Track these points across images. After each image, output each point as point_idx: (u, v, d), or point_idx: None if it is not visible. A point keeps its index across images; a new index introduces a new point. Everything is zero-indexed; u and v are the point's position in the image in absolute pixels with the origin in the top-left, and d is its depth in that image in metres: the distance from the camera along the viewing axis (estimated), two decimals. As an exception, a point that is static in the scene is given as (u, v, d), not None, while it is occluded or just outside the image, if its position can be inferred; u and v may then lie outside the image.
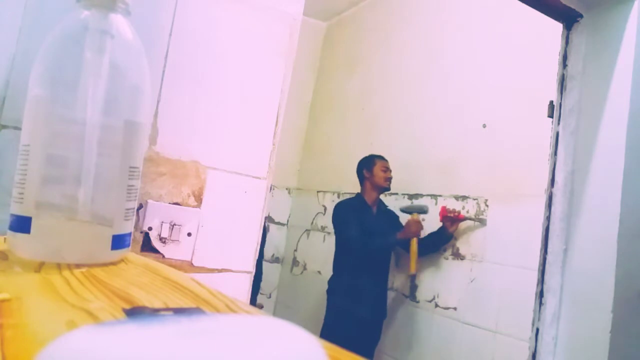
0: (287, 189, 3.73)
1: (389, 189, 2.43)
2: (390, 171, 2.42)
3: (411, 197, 2.57)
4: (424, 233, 2.34)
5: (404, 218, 2.41)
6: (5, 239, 0.45)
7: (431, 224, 2.37)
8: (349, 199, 2.50)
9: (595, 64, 1.43)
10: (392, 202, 2.59)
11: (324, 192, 3.37)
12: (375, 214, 2.39)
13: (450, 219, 2.20)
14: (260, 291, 3.53)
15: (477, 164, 2.21)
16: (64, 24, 0.45)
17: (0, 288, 0.30)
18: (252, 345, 0.19)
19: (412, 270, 2.22)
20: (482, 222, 2.14)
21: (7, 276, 0.38)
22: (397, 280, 2.54)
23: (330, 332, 2.25)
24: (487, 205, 2.13)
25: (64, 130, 0.43)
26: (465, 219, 2.19)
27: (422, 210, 2.31)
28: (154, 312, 0.30)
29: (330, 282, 2.43)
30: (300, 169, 3.78)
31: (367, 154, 2.55)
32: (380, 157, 2.45)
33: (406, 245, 2.26)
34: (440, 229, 2.25)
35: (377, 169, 2.39)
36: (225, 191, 0.83)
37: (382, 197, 2.47)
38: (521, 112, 2.01)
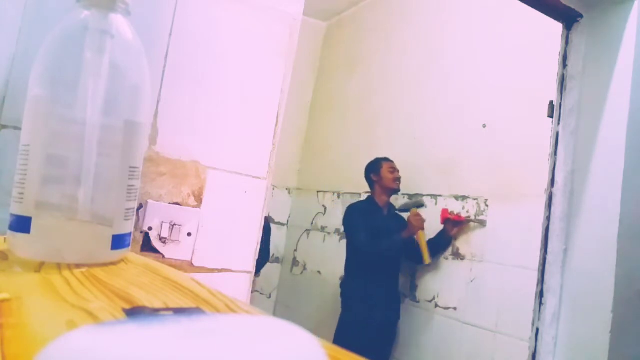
0: (287, 189, 3.73)
1: (399, 190, 2.44)
2: (398, 171, 2.42)
3: (411, 197, 2.57)
4: (428, 233, 2.34)
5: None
6: (5, 239, 0.45)
7: (432, 223, 2.37)
8: (361, 201, 2.53)
9: (595, 64, 1.43)
10: (392, 202, 2.59)
11: (324, 192, 3.37)
12: (386, 216, 2.39)
13: (452, 222, 2.20)
14: (260, 291, 3.53)
15: (477, 164, 2.21)
16: (64, 24, 0.45)
17: (0, 288, 0.30)
18: (252, 345, 0.19)
19: (427, 260, 2.22)
20: (483, 223, 2.13)
21: (7, 276, 0.38)
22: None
23: (346, 335, 2.25)
24: (487, 205, 2.13)
25: (64, 130, 0.43)
26: (466, 220, 2.19)
27: (419, 204, 2.31)
28: (154, 312, 0.30)
29: (342, 285, 2.43)
30: (300, 169, 3.78)
31: (367, 154, 2.55)
32: (386, 159, 2.46)
33: (413, 245, 2.24)
34: (441, 232, 2.25)
35: (385, 171, 2.40)
36: (225, 191, 0.83)
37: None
38: (521, 112, 2.01)
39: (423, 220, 2.25)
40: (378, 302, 2.26)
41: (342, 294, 2.42)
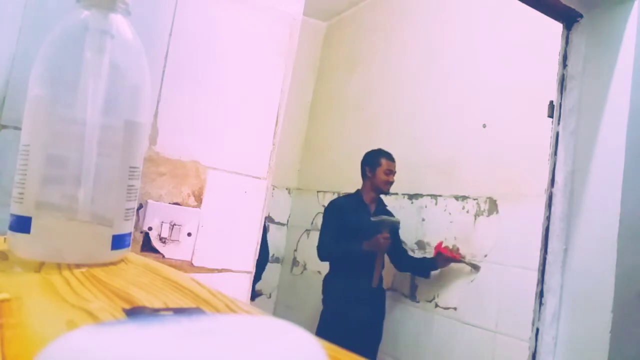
0: (287, 189, 3.73)
1: (387, 194, 2.40)
2: (394, 174, 2.34)
3: (411, 197, 2.57)
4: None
5: (404, 220, 2.40)
6: (5, 239, 0.45)
7: (431, 224, 2.38)
8: (347, 195, 2.49)
9: (595, 64, 1.43)
10: (392, 203, 2.59)
11: (324, 192, 3.37)
12: (373, 213, 2.31)
13: (445, 258, 2.17)
14: (260, 291, 3.52)
15: (477, 164, 2.21)
16: (64, 24, 0.45)
17: (0, 288, 0.30)
18: (252, 345, 0.19)
19: (373, 284, 2.19)
20: (477, 268, 2.10)
21: (7, 276, 0.38)
22: (397, 280, 2.54)
23: (325, 332, 2.19)
24: (487, 205, 2.13)
25: (64, 130, 0.43)
26: (459, 260, 2.15)
27: (394, 226, 2.25)
28: (154, 312, 0.30)
29: (324, 280, 2.38)
30: (300, 169, 3.77)
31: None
32: (388, 156, 2.35)
33: (372, 257, 2.18)
34: (431, 261, 2.23)
35: (380, 171, 2.31)
36: (225, 191, 0.83)
37: (382, 195, 2.45)
38: (521, 112, 2.01)
39: (388, 244, 2.17)
40: (358, 299, 2.20)
41: (323, 290, 2.37)
